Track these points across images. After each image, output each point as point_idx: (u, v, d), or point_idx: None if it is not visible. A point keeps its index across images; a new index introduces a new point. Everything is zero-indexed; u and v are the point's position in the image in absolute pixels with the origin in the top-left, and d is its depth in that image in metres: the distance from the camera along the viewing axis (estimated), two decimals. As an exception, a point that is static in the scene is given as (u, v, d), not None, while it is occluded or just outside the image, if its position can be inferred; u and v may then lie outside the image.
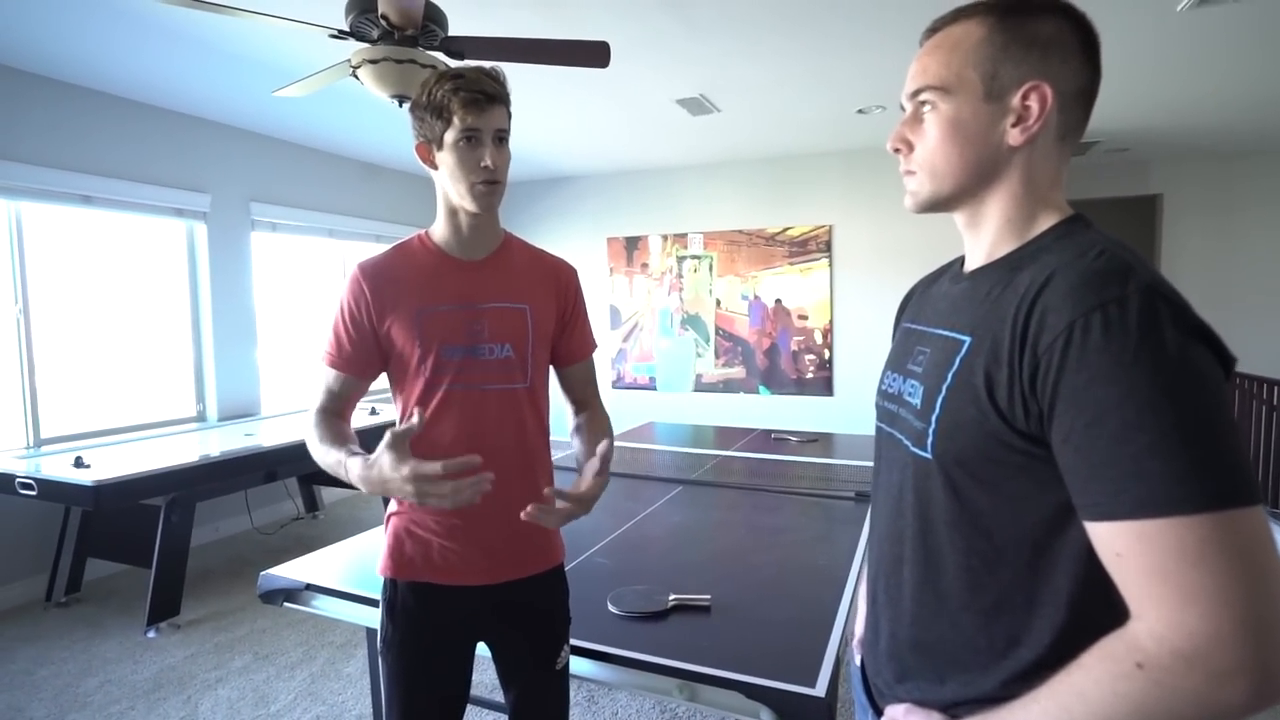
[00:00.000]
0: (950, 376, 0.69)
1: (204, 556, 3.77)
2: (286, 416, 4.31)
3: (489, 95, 1.06)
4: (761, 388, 5.65)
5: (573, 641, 1.28)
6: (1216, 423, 0.54)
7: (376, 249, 5.25)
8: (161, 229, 3.99)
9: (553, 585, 1.24)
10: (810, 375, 5.50)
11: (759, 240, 5.56)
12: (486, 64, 1.14)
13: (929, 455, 0.70)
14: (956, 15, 0.73)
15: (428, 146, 1.11)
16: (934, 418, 0.70)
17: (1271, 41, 3.05)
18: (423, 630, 1.15)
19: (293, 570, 1.69)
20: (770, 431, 3.56)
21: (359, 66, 2.08)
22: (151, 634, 2.86)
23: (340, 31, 2.10)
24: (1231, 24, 2.85)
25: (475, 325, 1.14)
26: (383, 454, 0.94)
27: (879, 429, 0.86)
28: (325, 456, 1.08)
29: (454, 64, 2.69)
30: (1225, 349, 0.58)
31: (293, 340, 4.82)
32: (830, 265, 5.36)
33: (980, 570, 0.68)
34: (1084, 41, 0.69)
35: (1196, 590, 0.52)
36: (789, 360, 5.56)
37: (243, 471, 3.30)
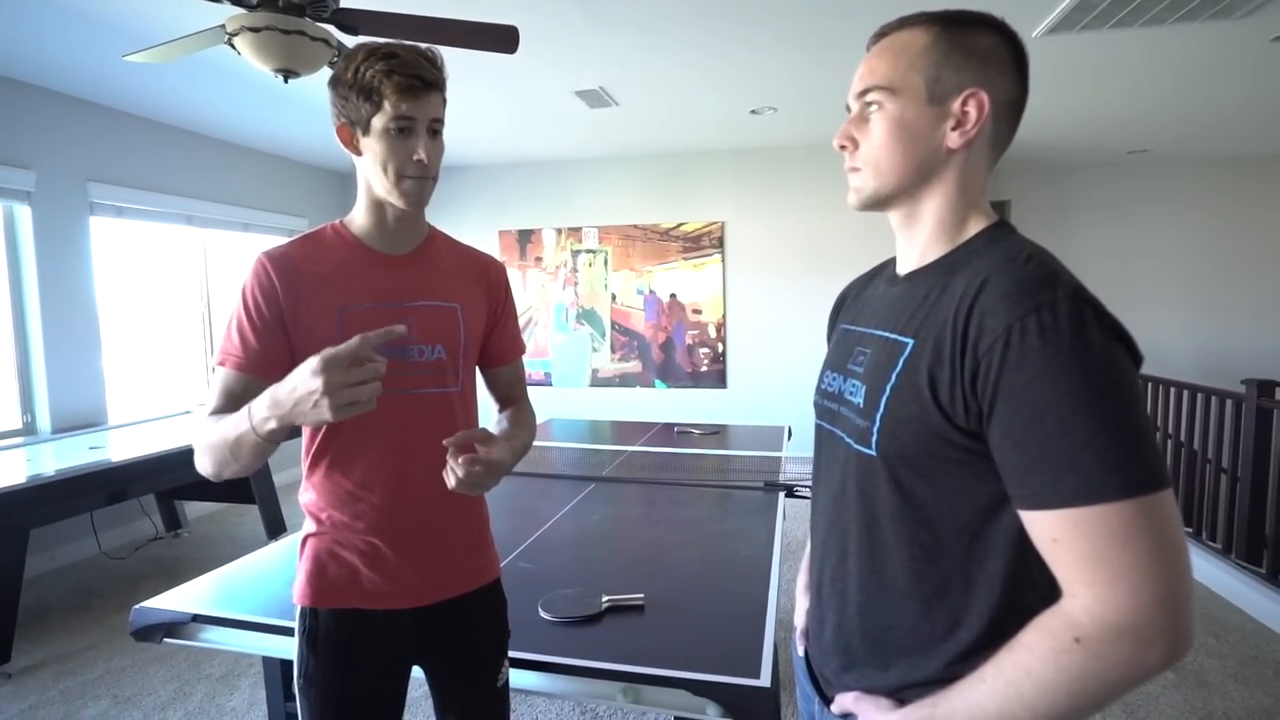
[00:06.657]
0: (894, 377, 0.72)
1: (39, 590, 3.27)
2: (141, 425, 3.83)
3: (426, 81, 0.96)
4: (658, 381, 5.72)
5: (509, 653, 1.22)
6: (1136, 416, 0.60)
7: (242, 238, 4.88)
8: (-28, 211, 3.41)
9: (490, 600, 1.17)
10: (705, 368, 5.64)
11: (653, 235, 5.61)
12: (407, 43, 1.04)
13: (873, 452, 0.73)
14: (903, 22, 0.76)
15: (350, 130, 1.00)
16: (878, 416, 0.73)
17: (1106, 70, 3.48)
18: (350, 661, 1.05)
19: (173, 600, 1.49)
20: (673, 425, 3.60)
21: (236, 34, 1.86)
22: (-25, 686, 2.45)
23: (212, -7, 1.87)
24: (1076, 52, 3.22)
25: (403, 325, 1.05)
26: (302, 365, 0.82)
27: (819, 427, 0.89)
28: (223, 429, 0.89)
29: (347, 39, 2.49)
30: (1137, 347, 0.64)
31: (148, 339, 4.29)
32: (723, 261, 5.51)
33: (922, 559, 0.72)
34: (1016, 57, 0.75)
35: (1124, 568, 0.58)
36: (684, 354, 5.66)
37: (87, 491, 2.87)
